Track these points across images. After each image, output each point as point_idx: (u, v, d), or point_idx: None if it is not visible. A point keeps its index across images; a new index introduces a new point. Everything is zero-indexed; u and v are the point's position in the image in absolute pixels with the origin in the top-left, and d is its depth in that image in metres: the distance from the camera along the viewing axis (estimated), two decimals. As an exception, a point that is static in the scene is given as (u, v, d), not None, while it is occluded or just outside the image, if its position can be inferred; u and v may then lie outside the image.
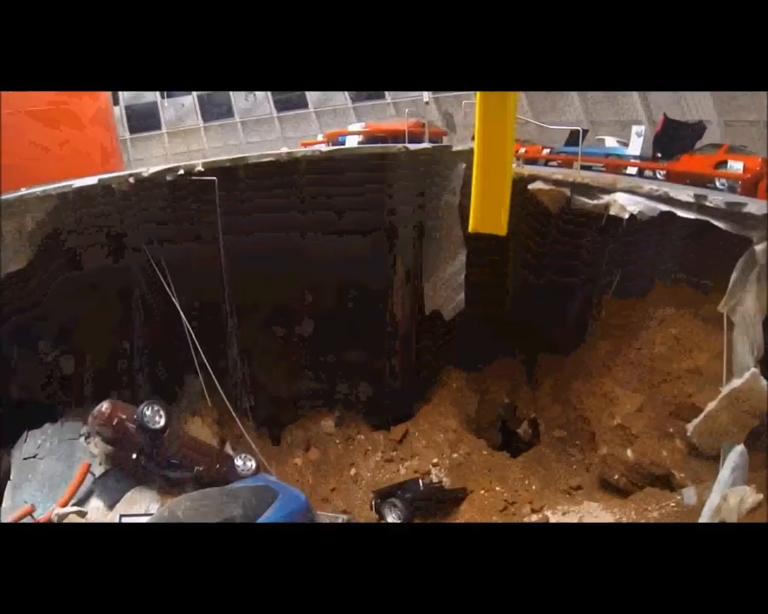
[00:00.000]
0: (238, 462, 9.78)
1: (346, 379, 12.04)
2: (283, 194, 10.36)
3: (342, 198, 10.54)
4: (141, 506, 8.95)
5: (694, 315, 8.35)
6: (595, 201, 8.90)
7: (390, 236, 10.96)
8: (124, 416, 8.85)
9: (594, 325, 10.04)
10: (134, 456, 8.96)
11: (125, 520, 8.63)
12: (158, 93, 23.51)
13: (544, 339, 10.93)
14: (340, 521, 8.92)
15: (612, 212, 8.57)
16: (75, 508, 8.64)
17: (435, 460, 9.90)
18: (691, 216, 7.71)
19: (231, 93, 23.76)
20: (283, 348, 11.65)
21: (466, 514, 9.03)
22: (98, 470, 9.29)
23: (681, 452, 8.05)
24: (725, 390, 7.31)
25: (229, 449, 10.43)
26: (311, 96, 23.93)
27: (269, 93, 23.74)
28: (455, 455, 9.90)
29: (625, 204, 8.43)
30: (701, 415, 7.58)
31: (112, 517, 8.78)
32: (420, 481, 9.41)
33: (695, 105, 14.66)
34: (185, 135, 24.49)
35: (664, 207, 8.03)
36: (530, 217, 10.06)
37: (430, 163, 10.34)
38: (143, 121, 23.12)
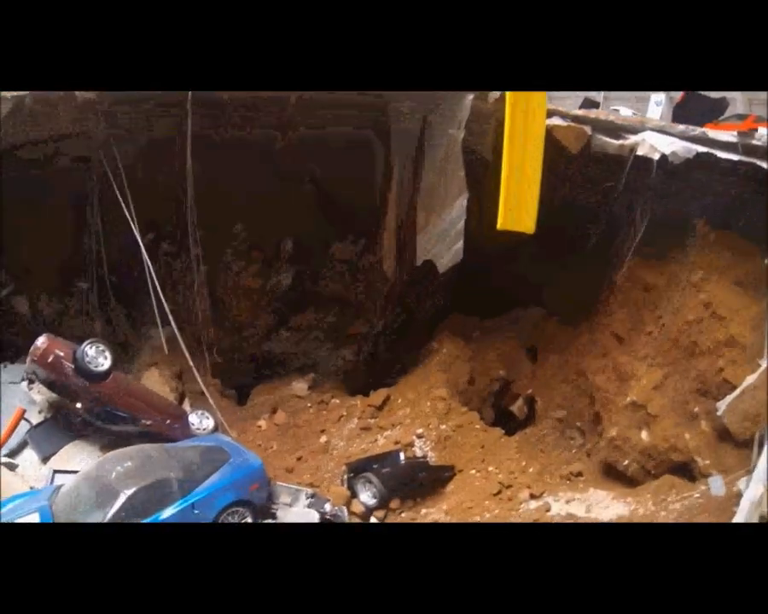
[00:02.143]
0: (193, 419, 8.64)
1: (325, 340, 10.79)
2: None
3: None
4: (78, 462, 7.94)
5: (729, 277, 7.10)
6: (620, 141, 7.62)
7: (385, 173, 9.57)
8: (62, 354, 7.78)
9: (611, 288, 8.70)
10: (78, 405, 7.95)
11: (58, 476, 7.64)
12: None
13: (552, 304, 9.66)
14: (304, 496, 7.65)
15: (640, 152, 7.31)
16: (5, 460, 7.73)
17: (420, 431, 8.52)
18: (734, 157, 6.57)
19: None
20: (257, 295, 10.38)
21: (454, 497, 7.69)
22: (37, 419, 8.32)
23: (707, 435, 6.85)
24: (766, 363, 6.26)
25: (187, 406, 9.35)
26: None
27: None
28: (443, 427, 8.54)
29: (656, 143, 7.18)
30: (735, 392, 6.47)
31: (45, 472, 7.82)
32: (401, 454, 8.14)
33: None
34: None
35: (701, 148, 6.84)
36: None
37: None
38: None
